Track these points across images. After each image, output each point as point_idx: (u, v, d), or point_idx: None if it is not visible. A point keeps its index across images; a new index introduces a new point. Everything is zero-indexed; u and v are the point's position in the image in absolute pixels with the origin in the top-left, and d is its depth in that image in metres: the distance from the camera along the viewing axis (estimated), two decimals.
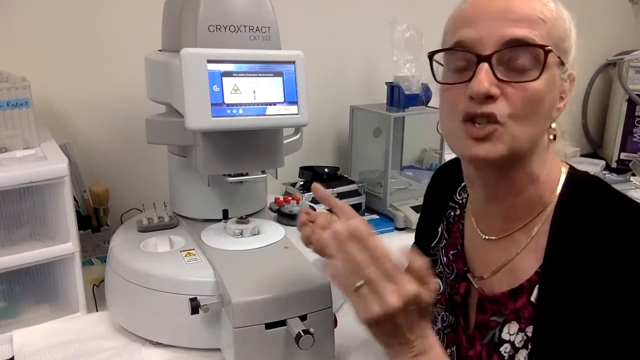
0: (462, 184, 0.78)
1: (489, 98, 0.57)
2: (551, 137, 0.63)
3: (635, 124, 2.10)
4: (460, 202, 0.78)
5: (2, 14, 1.20)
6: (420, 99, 1.52)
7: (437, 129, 0.66)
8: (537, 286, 0.61)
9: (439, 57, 0.64)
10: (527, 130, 0.59)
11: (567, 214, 0.62)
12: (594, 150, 2.32)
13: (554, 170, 0.66)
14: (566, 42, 0.61)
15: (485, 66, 0.57)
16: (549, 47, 0.57)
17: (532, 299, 0.61)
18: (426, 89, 1.51)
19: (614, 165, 2.15)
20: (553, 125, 0.63)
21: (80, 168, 1.22)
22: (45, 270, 1.00)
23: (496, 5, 0.59)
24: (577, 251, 0.58)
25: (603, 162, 2.12)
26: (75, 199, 1.10)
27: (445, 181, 0.81)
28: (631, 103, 2.07)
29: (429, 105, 1.56)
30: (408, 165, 1.79)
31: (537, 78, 0.57)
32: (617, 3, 2.32)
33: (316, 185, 0.79)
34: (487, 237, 0.69)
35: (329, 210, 0.83)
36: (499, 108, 0.58)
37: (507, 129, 0.58)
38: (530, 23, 0.57)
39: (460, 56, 0.60)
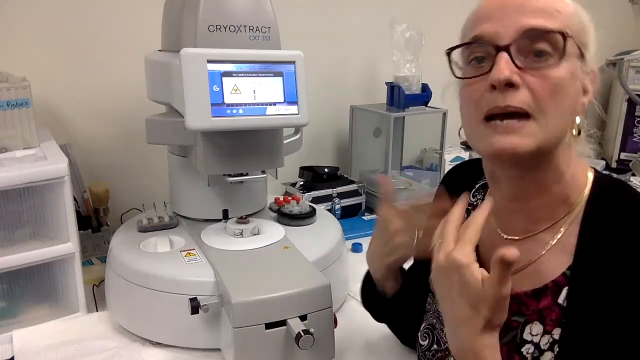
0: (477, 186, 0.78)
1: (511, 86, 0.57)
2: (575, 132, 0.63)
3: (635, 124, 2.09)
4: (475, 203, 0.77)
5: (2, 13, 1.20)
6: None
7: (459, 134, 0.66)
8: (565, 288, 0.61)
9: (456, 55, 0.64)
10: (554, 123, 0.58)
11: (597, 216, 0.61)
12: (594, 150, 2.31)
13: (579, 170, 0.65)
14: (585, 37, 0.61)
15: (504, 55, 0.57)
16: (567, 31, 0.57)
17: (560, 300, 0.61)
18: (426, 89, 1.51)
19: (614, 165, 2.14)
20: (578, 121, 0.62)
21: (80, 168, 1.22)
22: (45, 270, 1.00)
23: (513, 0, 0.59)
24: (609, 254, 0.58)
25: (603, 162, 2.11)
26: (75, 199, 1.10)
27: (459, 183, 0.79)
28: (631, 103, 2.07)
29: (429, 105, 1.56)
30: (408, 165, 1.79)
31: (558, 64, 0.57)
32: (617, 3, 2.32)
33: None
34: (508, 237, 0.68)
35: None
36: (522, 98, 0.57)
37: (535, 121, 0.58)
38: (547, 14, 0.58)
39: (479, 49, 0.61)
